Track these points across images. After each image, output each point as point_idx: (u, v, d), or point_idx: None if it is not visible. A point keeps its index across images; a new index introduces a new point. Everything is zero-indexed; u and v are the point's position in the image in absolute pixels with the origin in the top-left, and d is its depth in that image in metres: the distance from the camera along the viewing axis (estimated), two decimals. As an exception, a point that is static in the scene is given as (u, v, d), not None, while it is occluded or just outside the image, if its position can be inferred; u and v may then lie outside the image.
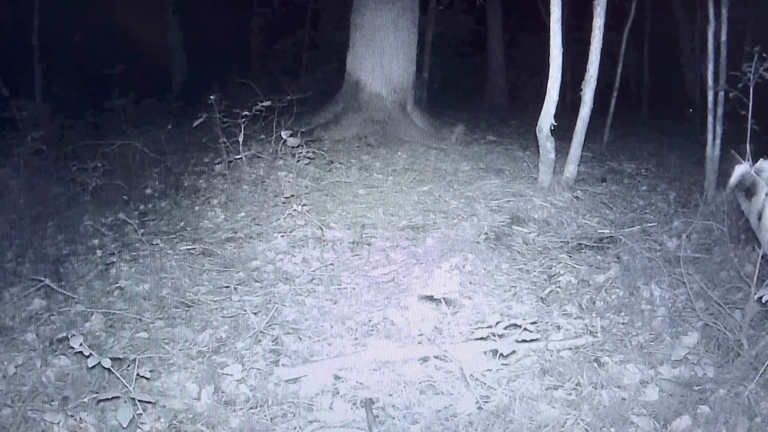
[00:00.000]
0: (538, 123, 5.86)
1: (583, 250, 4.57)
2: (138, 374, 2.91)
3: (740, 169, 4.95)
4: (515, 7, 15.31)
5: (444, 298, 3.65)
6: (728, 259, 4.24)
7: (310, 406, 2.92)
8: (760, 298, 3.19)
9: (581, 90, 5.96)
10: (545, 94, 5.84)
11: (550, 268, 4.29)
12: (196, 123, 5.93)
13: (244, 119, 5.74)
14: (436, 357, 3.24)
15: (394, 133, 8.04)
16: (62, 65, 10.34)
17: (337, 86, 8.90)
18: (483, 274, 4.14)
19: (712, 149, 6.01)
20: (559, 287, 4.01)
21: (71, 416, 2.78)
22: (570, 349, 3.33)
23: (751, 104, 5.57)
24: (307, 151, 6.11)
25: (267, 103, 5.95)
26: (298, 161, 6.03)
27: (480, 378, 3.09)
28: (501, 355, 3.19)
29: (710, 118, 6.03)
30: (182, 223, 5.16)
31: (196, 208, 5.45)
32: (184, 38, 14.22)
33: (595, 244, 4.67)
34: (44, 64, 9.88)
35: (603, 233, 4.92)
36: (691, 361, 3.20)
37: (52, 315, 3.69)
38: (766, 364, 2.98)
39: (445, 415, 2.85)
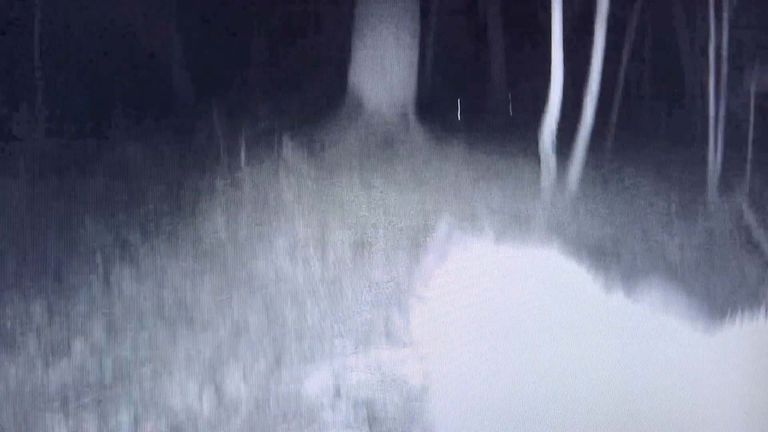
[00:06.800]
0: (540, 127, 5.88)
1: (584, 253, 4.57)
2: (139, 376, 2.90)
3: None
4: (516, 13, 15.36)
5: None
6: (729, 263, 4.24)
7: (310, 407, 2.91)
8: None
9: (583, 95, 5.98)
10: (547, 98, 5.86)
11: (552, 270, 4.29)
12: (197, 129, 5.95)
13: (246, 127, 5.75)
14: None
15: (396, 138, 8.05)
16: (63, 71, 10.35)
17: (339, 96, 8.92)
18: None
19: (714, 155, 6.02)
20: (560, 289, 4.00)
21: (72, 419, 2.77)
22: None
23: (752, 110, 5.59)
24: (309, 159, 6.12)
25: (269, 111, 5.96)
26: (300, 167, 6.03)
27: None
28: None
29: (711, 122, 6.04)
30: (183, 226, 5.16)
31: (197, 212, 5.45)
32: (186, 47, 14.25)
33: (596, 246, 4.66)
34: (45, 69, 9.89)
35: (604, 236, 4.92)
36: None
37: (53, 318, 3.68)
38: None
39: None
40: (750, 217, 4.85)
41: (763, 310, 3.49)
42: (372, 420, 2.77)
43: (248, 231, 4.90)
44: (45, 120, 8.70)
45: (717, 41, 6.02)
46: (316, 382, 3.03)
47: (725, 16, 5.97)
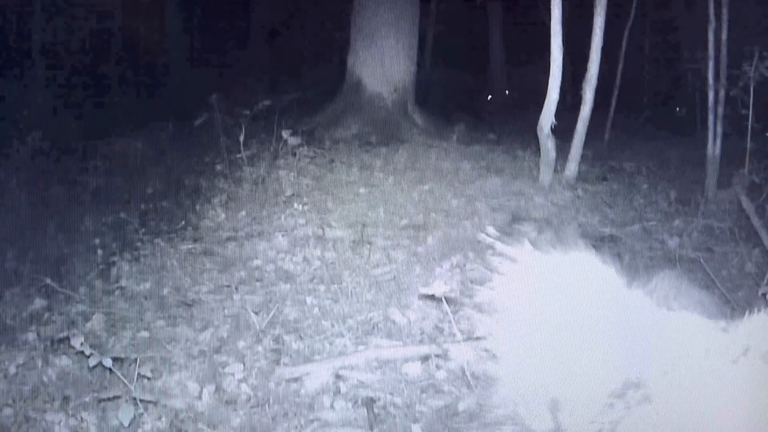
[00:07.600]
0: (539, 122, 5.86)
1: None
2: (139, 374, 2.90)
3: None
4: (515, 6, 15.31)
5: (445, 297, 3.64)
6: (729, 258, 4.24)
7: (311, 405, 2.91)
8: (764, 294, 3.20)
9: (582, 89, 5.96)
10: (546, 93, 5.84)
11: (551, 267, 4.27)
12: (196, 122, 5.94)
13: (244, 118, 5.73)
14: (437, 356, 3.23)
15: (395, 132, 8.03)
16: (63, 63, 10.33)
17: (338, 85, 8.89)
18: (484, 273, 4.13)
19: (713, 148, 6.01)
20: (560, 286, 3.99)
21: (72, 416, 2.78)
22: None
23: (751, 103, 5.57)
24: (308, 151, 6.10)
25: (267, 102, 5.94)
26: (299, 160, 6.02)
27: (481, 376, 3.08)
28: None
29: (711, 117, 6.02)
30: (183, 222, 5.15)
31: (197, 207, 5.44)
32: (185, 36, 14.20)
33: (596, 243, 4.66)
34: (45, 62, 9.87)
35: (604, 232, 4.91)
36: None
37: (53, 315, 3.68)
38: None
39: (446, 413, 2.85)
40: (750, 212, 4.84)
41: (763, 307, 3.49)
42: (372, 419, 2.78)
43: (248, 229, 4.90)
44: (45, 113, 8.68)
45: (717, 26, 5.99)
46: (316, 381, 3.04)
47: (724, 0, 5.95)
